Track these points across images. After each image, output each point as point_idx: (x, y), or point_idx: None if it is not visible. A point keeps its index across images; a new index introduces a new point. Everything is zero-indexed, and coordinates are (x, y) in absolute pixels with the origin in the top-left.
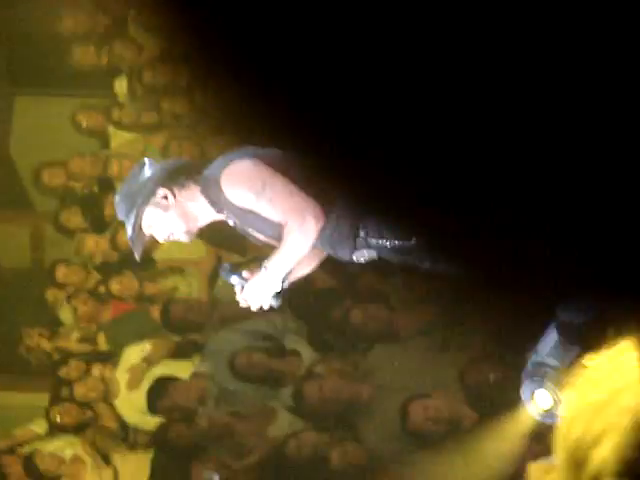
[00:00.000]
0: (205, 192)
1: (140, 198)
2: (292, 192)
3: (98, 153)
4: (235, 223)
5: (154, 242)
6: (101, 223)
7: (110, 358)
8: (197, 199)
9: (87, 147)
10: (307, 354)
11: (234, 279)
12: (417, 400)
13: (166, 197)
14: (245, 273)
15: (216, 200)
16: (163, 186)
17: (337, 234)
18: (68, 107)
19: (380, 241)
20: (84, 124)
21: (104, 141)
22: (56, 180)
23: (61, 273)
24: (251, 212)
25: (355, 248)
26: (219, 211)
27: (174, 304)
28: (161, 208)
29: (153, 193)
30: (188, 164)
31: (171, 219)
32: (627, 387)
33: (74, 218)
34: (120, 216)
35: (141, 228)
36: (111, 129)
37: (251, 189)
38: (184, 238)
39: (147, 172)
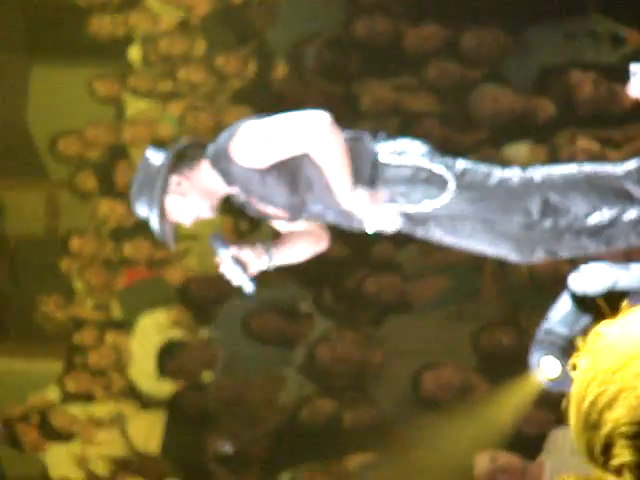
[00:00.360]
0: (216, 165)
1: (156, 192)
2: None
3: (113, 121)
4: (246, 198)
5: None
6: (115, 189)
7: (124, 326)
8: (209, 174)
9: (103, 115)
10: (320, 321)
11: (222, 251)
12: (429, 370)
13: (180, 183)
14: (233, 249)
15: (227, 172)
16: (174, 173)
17: None
18: (84, 76)
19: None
20: (100, 92)
21: (120, 109)
22: (72, 148)
23: (75, 244)
24: (263, 175)
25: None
26: (230, 184)
27: (193, 281)
28: (179, 194)
29: (167, 183)
30: (192, 143)
31: (192, 202)
32: (638, 353)
33: (89, 181)
34: (141, 214)
35: (165, 219)
36: (127, 97)
37: (259, 138)
38: (210, 214)
39: (153, 163)
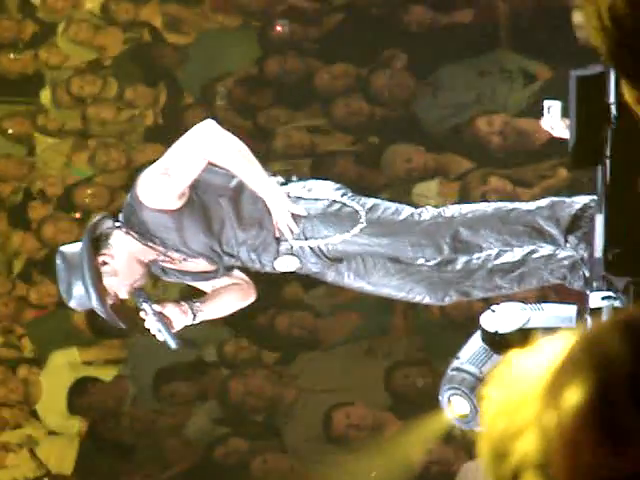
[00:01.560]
0: (129, 222)
1: (89, 282)
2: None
3: (24, 160)
4: (164, 257)
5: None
6: (26, 223)
7: (37, 361)
8: (127, 241)
9: (14, 152)
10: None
11: (145, 305)
12: (340, 407)
13: (105, 262)
14: (156, 306)
15: (142, 223)
16: (97, 256)
17: (260, 238)
18: None
19: (303, 243)
20: (10, 130)
21: (30, 147)
22: None
23: None
24: (177, 219)
25: (278, 254)
26: (147, 239)
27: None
28: (111, 274)
29: (95, 268)
30: (100, 219)
31: (124, 276)
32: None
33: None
34: (80, 307)
35: (106, 301)
36: (37, 136)
37: (160, 170)
38: (143, 282)
39: (72, 255)
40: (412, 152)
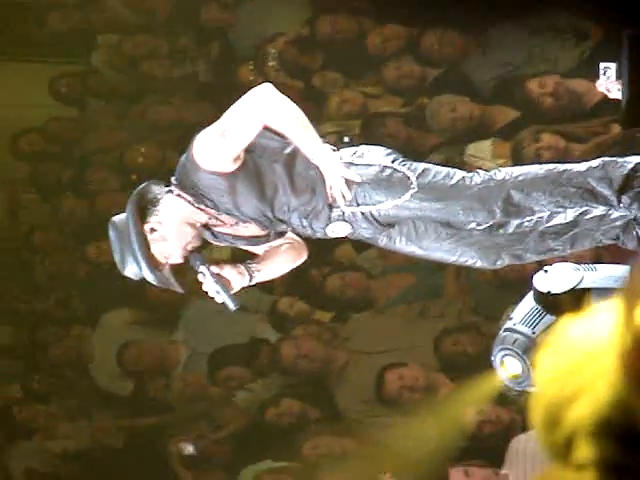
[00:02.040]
0: (183, 183)
1: (138, 251)
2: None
3: (76, 119)
4: (216, 220)
5: None
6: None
7: (88, 320)
8: (178, 204)
9: (65, 113)
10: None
11: (202, 268)
12: (393, 368)
13: (153, 229)
14: (214, 267)
15: (196, 185)
16: (144, 223)
17: (312, 204)
18: (46, 73)
19: (355, 209)
20: (63, 92)
21: (81, 108)
22: (34, 147)
23: (38, 239)
24: (231, 182)
25: (330, 220)
26: (200, 201)
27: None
28: (159, 240)
29: (142, 236)
30: (144, 187)
31: (175, 241)
32: (603, 349)
33: (51, 178)
34: (135, 276)
35: (158, 268)
36: (88, 97)
37: (217, 132)
38: (197, 244)
39: (121, 224)
40: (457, 102)
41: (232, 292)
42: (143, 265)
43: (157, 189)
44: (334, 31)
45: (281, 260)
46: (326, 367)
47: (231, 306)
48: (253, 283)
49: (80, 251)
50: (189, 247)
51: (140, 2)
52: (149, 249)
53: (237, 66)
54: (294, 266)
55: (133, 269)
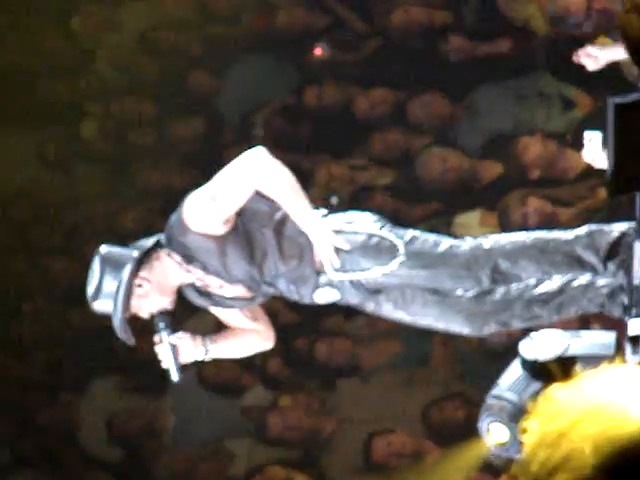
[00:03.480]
0: (173, 243)
1: (121, 299)
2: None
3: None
4: (203, 280)
5: None
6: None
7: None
8: (168, 264)
9: (53, 179)
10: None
11: (162, 332)
12: (381, 435)
13: (140, 285)
14: (180, 334)
15: (185, 246)
16: (135, 277)
17: (300, 271)
18: (34, 140)
19: (342, 276)
20: (51, 157)
21: (69, 174)
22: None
23: (25, 305)
24: (221, 245)
25: (317, 286)
26: (190, 261)
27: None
28: (141, 296)
29: (130, 287)
30: (146, 240)
31: (153, 300)
32: (587, 415)
33: (41, 242)
34: (100, 312)
35: (126, 320)
36: (76, 162)
37: (208, 195)
38: (170, 307)
39: (109, 259)
40: (448, 154)
41: (180, 364)
42: (119, 312)
43: (154, 246)
44: (321, 101)
45: (242, 343)
46: (313, 436)
47: (175, 377)
48: (207, 358)
49: (68, 315)
50: (162, 309)
51: (128, 65)
52: (130, 299)
53: (223, 132)
54: (255, 351)
55: (105, 307)
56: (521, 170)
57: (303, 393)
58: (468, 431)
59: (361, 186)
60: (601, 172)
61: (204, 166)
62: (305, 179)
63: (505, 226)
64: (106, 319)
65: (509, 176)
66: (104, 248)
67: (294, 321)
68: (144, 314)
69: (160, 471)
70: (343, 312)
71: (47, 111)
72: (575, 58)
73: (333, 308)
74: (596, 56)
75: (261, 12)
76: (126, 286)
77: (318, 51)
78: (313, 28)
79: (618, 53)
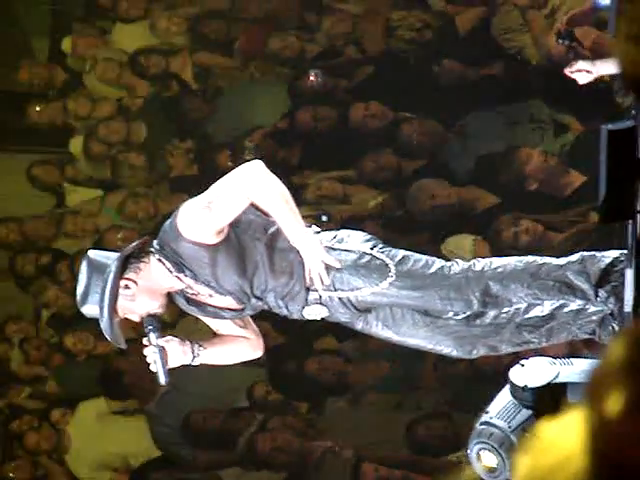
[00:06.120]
0: (164, 250)
1: (107, 300)
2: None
3: (53, 212)
4: (193, 289)
5: None
6: (57, 279)
7: (66, 404)
8: (157, 269)
9: (42, 203)
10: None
11: (151, 335)
12: (369, 460)
13: (127, 286)
14: (169, 337)
15: (177, 253)
16: (121, 278)
17: (289, 287)
18: (24, 162)
19: (332, 294)
20: (40, 179)
21: (60, 197)
22: (12, 236)
23: (11, 329)
24: (213, 254)
25: (306, 303)
26: (180, 270)
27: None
28: (128, 298)
29: (116, 289)
30: (138, 245)
31: (141, 303)
32: (577, 452)
33: (28, 267)
34: (89, 315)
35: (115, 321)
36: (67, 186)
37: (203, 203)
38: (160, 311)
39: (99, 267)
40: (436, 187)
41: (168, 367)
42: (105, 314)
43: (145, 251)
44: (314, 122)
45: (231, 350)
46: (302, 460)
47: (162, 380)
48: (195, 364)
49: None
50: (151, 312)
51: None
52: (116, 301)
53: (215, 155)
54: (244, 359)
55: (93, 311)
56: (519, 181)
57: (291, 416)
58: (456, 456)
59: (351, 216)
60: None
61: (196, 190)
62: (295, 197)
63: (496, 245)
64: None
65: (502, 201)
66: (91, 252)
67: (284, 342)
68: (134, 317)
69: None
70: (334, 334)
71: (36, 134)
72: (567, 71)
73: (324, 329)
74: (587, 70)
75: (252, 37)
76: (111, 286)
77: (312, 77)
78: (306, 54)
79: (608, 68)
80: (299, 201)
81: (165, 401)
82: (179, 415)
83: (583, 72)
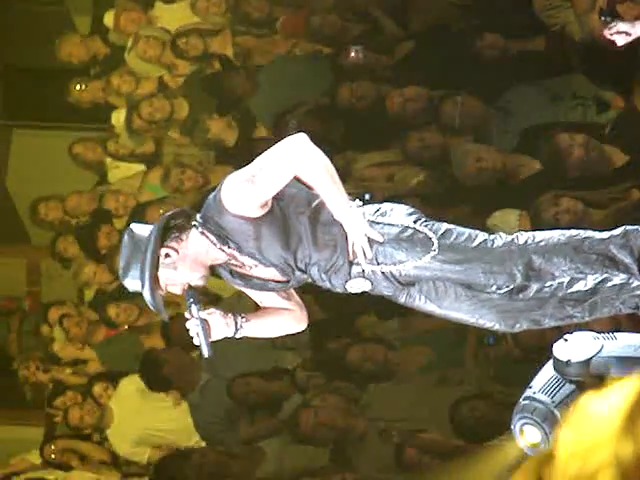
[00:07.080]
0: (208, 224)
1: (146, 268)
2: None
3: (95, 189)
4: (237, 261)
5: None
6: (97, 254)
7: (109, 379)
8: (199, 241)
9: (84, 180)
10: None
11: (193, 308)
12: (412, 436)
13: (168, 255)
14: (211, 309)
15: (221, 226)
16: (162, 246)
17: (333, 260)
18: (65, 140)
19: (375, 268)
20: (81, 156)
21: (101, 174)
22: (52, 214)
23: (55, 314)
24: (257, 227)
25: (349, 276)
26: (224, 242)
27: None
28: (170, 267)
29: (156, 258)
30: (176, 213)
31: (183, 273)
32: (622, 427)
33: (70, 247)
34: (132, 289)
35: (157, 292)
36: (109, 161)
37: (247, 176)
38: (201, 284)
39: (140, 237)
40: (482, 150)
41: (211, 340)
42: (146, 284)
43: (187, 219)
44: (355, 99)
45: (275, 323)
46: (345, 436)
47: (205, 353)
48: (238, 336)
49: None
50: (192, 283)
51: (159, 57)
52: (157, 270)
53: (257, 131)
54: (288, 332)
55: (134, 283)
56: (558, 170)
57: (335, 393)
58: (500, 431)
59: (393, 195)
60: (635, 174)
61: (239, 165)
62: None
63: (536, 224)
64: None
65: (545, 176)
66: (134, 225)
67: (328, 319)
68: (176, 289)
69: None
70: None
71: (79, 112)
72: (606, 33)
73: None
74: (626, 32)
75: (295, 14)
76: (152, 252)
77: (353, 54)
78: (348, 32)
79: None
80: (342, 180)
81: (207, 387)
82: (220, 399)
83: (622, 34)
